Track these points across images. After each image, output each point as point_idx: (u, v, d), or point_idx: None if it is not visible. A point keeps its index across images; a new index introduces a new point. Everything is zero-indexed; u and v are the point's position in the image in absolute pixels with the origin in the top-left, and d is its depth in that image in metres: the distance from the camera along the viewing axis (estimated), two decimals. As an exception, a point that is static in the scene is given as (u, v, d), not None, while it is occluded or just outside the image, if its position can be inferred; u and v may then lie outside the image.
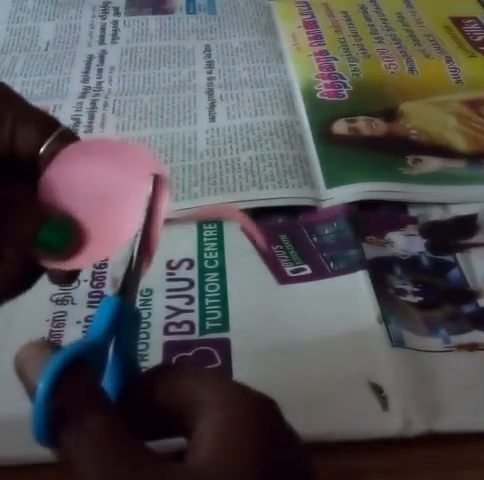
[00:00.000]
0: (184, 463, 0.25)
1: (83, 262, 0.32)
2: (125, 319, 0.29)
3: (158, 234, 0.30)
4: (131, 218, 0.30)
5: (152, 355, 0.44)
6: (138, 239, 0.30)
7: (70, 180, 0.31)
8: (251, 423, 0.26)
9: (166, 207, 0.30)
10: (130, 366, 0.30)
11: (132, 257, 0.30)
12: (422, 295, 0.49)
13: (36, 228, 0.30)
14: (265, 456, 0.26)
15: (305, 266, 0.51)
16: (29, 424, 0.25)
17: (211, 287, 0.50)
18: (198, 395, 0.27)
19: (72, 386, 0.25)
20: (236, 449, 0.25)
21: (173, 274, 0.50)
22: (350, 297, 0.48)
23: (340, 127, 0.64)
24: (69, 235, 0.31)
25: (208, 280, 0.50)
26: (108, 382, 0.29)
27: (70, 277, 0.33)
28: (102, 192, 0.31)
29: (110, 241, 0.31)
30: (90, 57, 0.74)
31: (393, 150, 0.61)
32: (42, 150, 0.31)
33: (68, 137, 0.32)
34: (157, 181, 0.30)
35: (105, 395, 0.27)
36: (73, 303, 0.48)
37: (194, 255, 0.52)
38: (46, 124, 0.32)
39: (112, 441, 0.25)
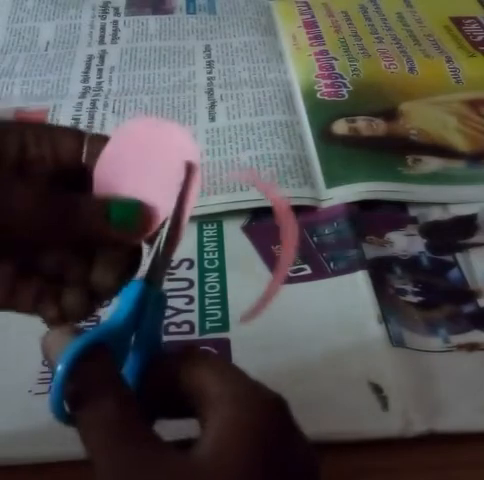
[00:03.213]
0: (187, 455, 0.26)
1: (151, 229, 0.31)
2: (150, 304, 0.29)
3: (186, 221, 0.30)
4: (170, 199, 0.30)
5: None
6: (167, 225, 0.30)
7: (118, 171, 0.31)
8: (257, 424, 0.26)
9: (195, 195, 0.30)
10: (153, 348, 0.30)
11: (160, 242, 0.30)
12: (422, 295, 0.49)
13: (107, 206, 0.30)
14: (267, 459, 0.26)
15: (305, 266, 0.51)
16: (48, 402, 0.27)
17: (211, 287, 0.50)
18: (212, 387, 0.28)
19: (90, 370, 0.27)
20: (238, 448, 0.26)
21: (173, 274, 0.50)
22: (350, 297, 0.48)
23: (340, 127, 0.64)
24: (138, 208, 0.31)
25: (208, 280, 0.50)
26: (131, 362, 0.30)
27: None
28: (148, 176, 0.31)
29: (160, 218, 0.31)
30: (90, 57, 0.74)
31: (393, 150, 0.61)
32: (84, 153, 0.32)
33: (100, 138, 0.32)
34: (189, 169, 0.31)
35: (122, 379, 0.28)
36: (73, 303, 0.48)
37: (194, 255, 0.52)
38: (76, 133, 0.32)
39: (121, 425, 0.26)
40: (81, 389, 0.27)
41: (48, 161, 0.31)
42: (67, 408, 0.27)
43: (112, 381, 0.28)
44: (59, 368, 0.26)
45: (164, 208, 0.31)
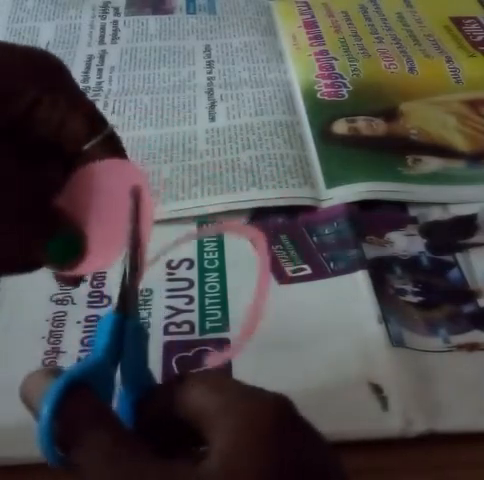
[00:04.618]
0: (196, 466, 0.25)
1: (84, 270, 0.32)
2: (128, 335, 0.29)
3: (145, 245, 0.30)
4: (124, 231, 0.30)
5: (152, 355, 0.43)
6: (128, 253, 0.30)
7: (87, 192, 0.32)
8: (263, 429, 0.26)
9: (150, 216, 0.30)
10: (143, 381, 0.30)
11: (125, 271, 0.30)
12: (422, 295, 0.49)
13: (46, 244, 0.31)
14: (278, 461, 0.25)
15: (305, 266, 0.51)
16: (38, 447, 0.26)
17: (211, 287, 0.50)
18: (205, 404, 0.27)
19: (75, 407, 0.26)
20: (248, 455, 0.25)
21: (173, 274, 0.50)
22: (350, 297, 0.48)
23: (340, 127, 0.64)
24: (75, 251, 0.31)
25: (208, 280, 0.50)
26: (123, 398, 0.29)
27: (76, 280, 0.34)
28: (104, 207, 0.32)
29: (110, 252, 0.31)
30: (90, 57, 0.74)
31: (393, 150, 0.61)
32: (86, 147, 0.31)
33: (112, 140, 0.32)
34: (136, 193, 0.30)
35: (110, 413, 0.27)
36: (73, 303, 0.48)
37: (194, 255, 0.52)
38: (95, 122, 0.32)
39: (123, 454, 0.26)
40: (71, 429, 0.26)
41: (50, 128, 0.31)
42: (59, 451, 0.26)
43: (100, 416, 0.27)
44: (44, 411, 0.26)
45: (119, 240, 0.30)
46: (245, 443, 0.25)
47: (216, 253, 0.52)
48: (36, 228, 0.31)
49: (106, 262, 0.31)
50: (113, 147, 0.32)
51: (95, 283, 0.50)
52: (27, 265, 0.32)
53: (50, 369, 0.28)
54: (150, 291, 0.49)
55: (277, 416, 0.27)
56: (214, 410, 0.27)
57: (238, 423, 0.26)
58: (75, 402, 0.26)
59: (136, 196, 0.30)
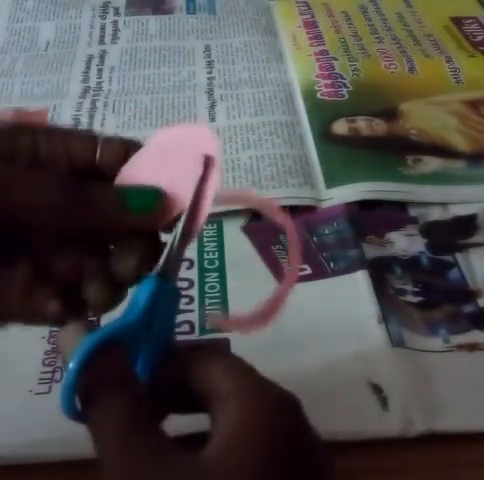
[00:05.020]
0: (196, 455, 0.26)
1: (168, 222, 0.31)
2: (163, 299, 0.29)
3: (204, 216, 0.30)
4: (189, 192, 0.30)
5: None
6: (183, 219, 0.30)
7: (139, 175, 0.31)
8: (266, 424, 0.26)
9: (214, 190, 0.30)
10: (166, 343, 0.30)
11: (175, 236, 0.30)
12: (422, 295, 0.49)
13: (123, 194, 0.30)
14: (276, 460, 0.26)
15: (305, 266, 0.51)
16: (59, 397, 0.27)
17: (211, 287, 0.50)
18: (222, 384, 0.28)
19: (102, 367, 0.27)
20: (246, 451, 0.26)
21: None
22: (350, 297, 0.48)
23: (340, 127, 0.64)
24: (155, 194, 0.31)
25: (208, 280, 0.50)
26: (143, 357, 0.30)
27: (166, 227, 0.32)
28: (168, 173, 0.31)
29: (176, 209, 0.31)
30: (90, 57, 0.74)
31: (393, 150, 0.61)
32: (98, 155, 0.31)
33: (113, 140, 0.32)
34: (207, 163, 0.30)
35: (135, 377, 0.28)
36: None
37: (194, 255, 0.52)
38: (89, 135, 0.32)
39: (132, 425, 0.26)
40: (93, 386, 0.27)
41: (61, 162, 0.31)
42: (78, 405, 0.27)
43: (125, 379, 0.28)
44: (71, 365, 0.26)
45: (183, 201, 0.30)
46: (247, 438, 0.26)
47: (216, 253, 0.52)
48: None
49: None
50: (118, 140, 0.32)
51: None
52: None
53: (87, 323, 0.28)
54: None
55: (288, 414, 0.27)
56: (225, 395, 0.27)
57: (244, 416, 0.26)
58: (104, 361, 0.27)
59: (207, 166, 0.30)
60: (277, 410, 0.27)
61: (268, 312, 0.31)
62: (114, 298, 0.31)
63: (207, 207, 0.30)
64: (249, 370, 0.29)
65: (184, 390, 0.29)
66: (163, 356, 0.30)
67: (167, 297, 0.30)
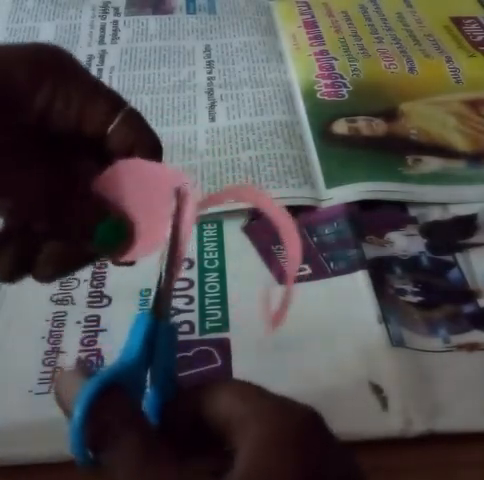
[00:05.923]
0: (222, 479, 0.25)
1: (131, 257, 0.32)
2: (159, 337, 0.29)
3: (185, 247, 0.30)
4: (164, 230, 0.30)
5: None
6: (165, 256, 0.30)
7: (122, 185, 0.32)
8: (287, 440, 0.26)
9: (191, 219, 0.30)
10: (170, 382, 0.30)
11: (161, 274, 0.30)
12: (422, 295, 0.49)
13: (94, 227, 0.31)
14: (297, 475, 0.25)
15: (305, 266, 0.51)
16: (69, 448, 0.26)
17: (211, 287, 0.50)
18: (235, 411, 0.27)
19: (107, 410, 0.26)
20: (269, 468, 0.25)
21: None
22: (350, 297, 0.48)
23: (340, 127, 0.64)
24: (123, 235, 0.31)
25: (208, 280, 0.50)
26: (149, 400, 0.29)
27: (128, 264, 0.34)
28: (144, 201, 0.31)
29: (151, 241, 0.31)
30: (90, 57, 0.74)
31: (393, 150, 0.61)
32: (110, 130, 0.31)
33: (134, 117, 0.32)
34: (179, 196, 0.30)
35: (141, 415, 0.28)
36: (73, 303, 0.48)
37: (194, 255, 0.52)
38: (113, 103, 0.32)
39: (148, 460, 0.26)
40: (101, 431, 0.26)
41: (71, 124, 0.31)
42: (89, 451, 0.26)
43: (132, 418, 0.27)
44: (76, 413, 0.26)
45: (157, 238, 0.30)
46: (273, 453, 0.25)
47: (216, 253, 0.52)
48: (84, 214, 0.31)
49: (148, 252, 0.31)
50: (138, 125, 0.32)
51: (95, 283, 0.50)
52: (81, 258, 0.32)
53: (82, 369, 0.28)
54: (149, 291, 0.49)
55: (306, 428, 0.27)
56: (244, 416, 0.27)
57: (267, 431, 0.26)
58: (108, 404, 0.26)
59: (179, 198, 0.30)
60: (301, 423, 0.27)
61: (278, 316, 0.31)
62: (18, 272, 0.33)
63: (186, 239, 0.30)
64: (261, 391, 0.28)
65: (197, 429, 0.28)
66: (170, 396, 0.29)
67: (164, 335, 0.29)
